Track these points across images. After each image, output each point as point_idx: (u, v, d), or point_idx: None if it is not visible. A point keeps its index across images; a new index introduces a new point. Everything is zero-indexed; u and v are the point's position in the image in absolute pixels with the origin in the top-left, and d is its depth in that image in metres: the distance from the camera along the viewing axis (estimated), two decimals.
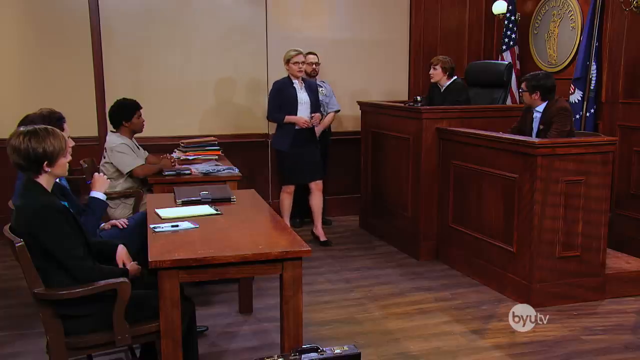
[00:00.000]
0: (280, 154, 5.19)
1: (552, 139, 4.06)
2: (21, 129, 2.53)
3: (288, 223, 5.17)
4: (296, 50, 5.06)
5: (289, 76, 5.11)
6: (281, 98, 5.06)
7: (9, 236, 2.43)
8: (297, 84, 5.09)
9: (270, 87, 5.98)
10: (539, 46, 6.13)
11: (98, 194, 3.12)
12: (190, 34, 5.78)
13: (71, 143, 2.67)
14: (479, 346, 3.41)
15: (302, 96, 5.08)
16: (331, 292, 4.22)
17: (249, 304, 3.85)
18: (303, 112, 5.07)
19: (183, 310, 2.55)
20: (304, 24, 6.09)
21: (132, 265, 2.74)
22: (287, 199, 5.24)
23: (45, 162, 2.48)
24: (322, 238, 5.34)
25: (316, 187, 5.25)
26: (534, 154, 3.81)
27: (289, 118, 5.03)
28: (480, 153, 4.33)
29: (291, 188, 5.24)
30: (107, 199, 3.24)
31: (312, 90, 5.17)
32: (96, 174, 3.26)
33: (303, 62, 5.17)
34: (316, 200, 5.30)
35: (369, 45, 6.25)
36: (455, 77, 5.31)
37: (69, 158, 2.60)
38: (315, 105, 5.17)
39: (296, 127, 5.05)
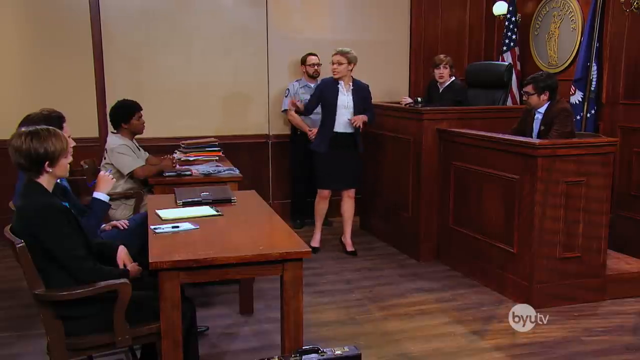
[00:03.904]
0: (315, 156, 4.97)
1: (552, 140, 4.06)
2: (23, 129, 2.53)
3: (320, 229, 5.13)
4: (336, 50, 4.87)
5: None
6: (320, 97, 4.90)
7: (10, 237, 2.42)
8: (342, 86, 4.86)
9: (270, 89, 6.04)
10: (539, 47, 6.13)
11: (101, 195, 3.10)
12: (191, 35, 5.78)
13: (72, 143, 2.66)
14: (479, 347, 3.41)
15: (346, 99, 4.84)
16: (331, 293, 4.22)
17: (250, 304, 3.85)
18: (343, 115, 4.83)
19: (183, 311, 2.55)
20: (304, 25, 6.09)
21: (132, 266, 2.74)
22: (321, 203, 5.05)
23: (47, 163, 2.48)
24: (349, 248, 5.11)
25: (347, 194, 5.06)
26: (535, 155, 3.82)
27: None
28: (480, 154, 4.33)
29: (325, 193, 5.01)
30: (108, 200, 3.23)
31: (359, 94, 4.90)
32: (101, 172, 3.19)
33: (314, 64, 5.50)
34: (347, 207, 5.09)
35: (370, 46, 6.24)
36: (454, 77, 5.32)
37: (70, 159, 2.60)
38: (361, 109, 4.88)
39: (335, 130, 4.85)
